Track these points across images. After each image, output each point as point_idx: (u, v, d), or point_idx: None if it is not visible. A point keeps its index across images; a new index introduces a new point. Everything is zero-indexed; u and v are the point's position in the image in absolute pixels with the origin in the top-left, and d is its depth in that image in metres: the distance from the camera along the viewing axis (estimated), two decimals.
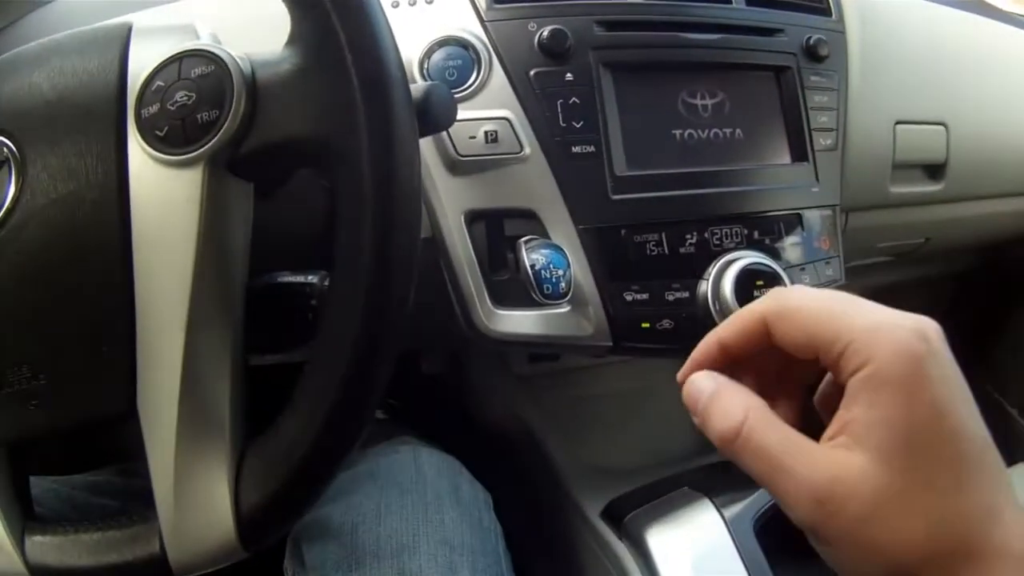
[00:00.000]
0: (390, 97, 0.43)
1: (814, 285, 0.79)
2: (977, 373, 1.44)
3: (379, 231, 0.42)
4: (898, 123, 0.94)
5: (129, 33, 0.49)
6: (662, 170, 0.75)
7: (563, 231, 0.71)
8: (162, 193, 0.44)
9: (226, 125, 0.44)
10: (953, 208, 1.04)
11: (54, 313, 0.46)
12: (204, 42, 0.47)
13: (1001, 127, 1.08)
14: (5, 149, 0.47)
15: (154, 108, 0.45)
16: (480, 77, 0.71)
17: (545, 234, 0.71)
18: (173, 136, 0.44)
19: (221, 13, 0.75)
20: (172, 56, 0.45)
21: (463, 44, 0.72)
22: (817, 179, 0.82)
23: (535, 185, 0.71)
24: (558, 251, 0.68)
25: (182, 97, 0.44)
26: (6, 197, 0.46)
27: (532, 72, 0.72)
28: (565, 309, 0.71)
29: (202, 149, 0.44)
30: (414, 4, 0.74)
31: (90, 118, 0.46)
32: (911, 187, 0.98)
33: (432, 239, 0.73)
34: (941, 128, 0.99)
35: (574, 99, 0.72)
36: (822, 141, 0.83)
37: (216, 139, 0.44)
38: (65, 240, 0.46)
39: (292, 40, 0.45)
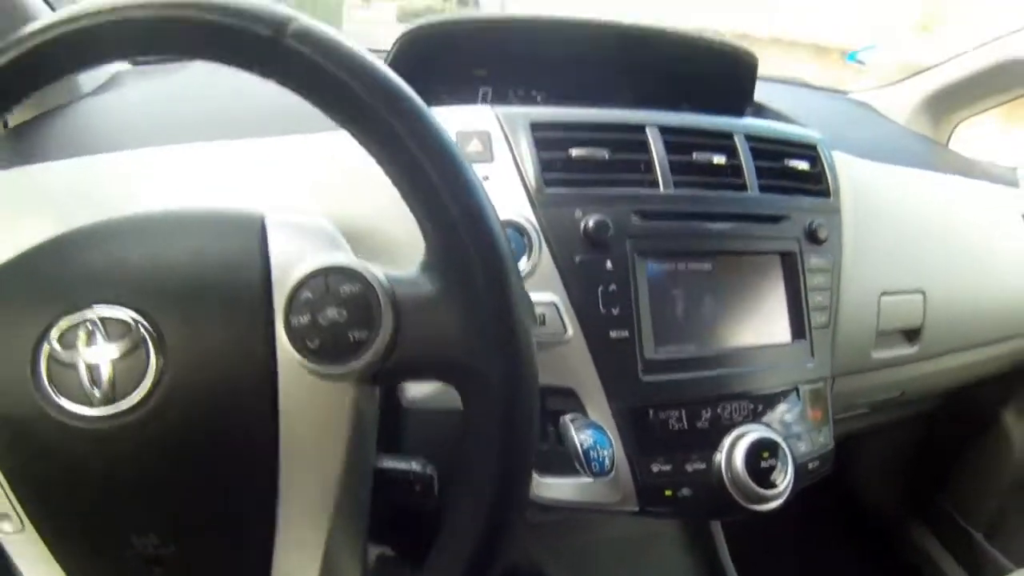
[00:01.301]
0: (516, 327, 0.50)
1: (807, 453, 0.93)
2: (943, 499, 1.59)
3: (505, 448, 0.51)
4: (883, 294, 1.08)
5: (264, 225, 0.56)
6: (684, 353, 0.87)
7: (598, 408, 0.83)
8: (313, 399, 0.51)
9: (375, 346, 0.50)
10: (927, 364, 1.19)
11: (192, 492, 0.52)
12: (348, 260, 0.53)
13: (974, 287, 1.23)
14: (141, 328, 0.50)
15: (304, 319, 0.50)
16: (532, 261, 0.83)
17: (582, 410, 0.83)
18: (325, 351, 0.50)
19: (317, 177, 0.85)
20: (319, 270, 0.51)
21: (519, 228, 0.83)
22: (812, 355, 0.96)
23: (575, 366, 0.82)
24: (602, 432, 0.80)
25: (333, 314, 0.50)
26: (148, 373, 0.50)
27: (577, 258, 0.84)
28: (603, 480, 0.81)
29: (353, 366, 0.50)
30: None
31: (236, 307, 0.52)
32: (891, 351, 1.12)
33: None
34: (919, 296, 1.13)
35: (613, 286, 0.84)
36: (818, 319, 0.97)
37: (366, 358, 0.50)
38: (211, 423, 0.51)
39: (430, 266, 0.52)
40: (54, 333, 0.51)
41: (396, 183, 0.51)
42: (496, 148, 0.87)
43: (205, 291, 0.52)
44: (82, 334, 0.50)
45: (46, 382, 0.50)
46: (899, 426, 1.46)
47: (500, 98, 1.15)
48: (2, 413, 0.51)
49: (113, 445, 0.50)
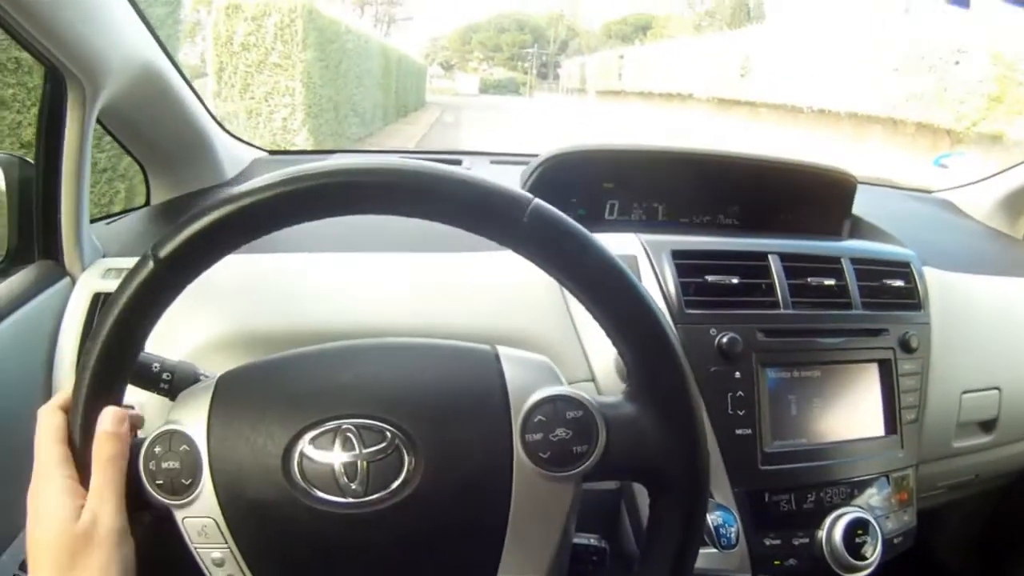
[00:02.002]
0: (699, 441, 0.62)
1: (893, 530, 1.10)
2: (1015, 569, 1.69)
3: (683, 535, 0.63)
4: (964, 392, 1.25)
5: (498, 357, 0.67)
6: (795, 447, 1.06)
7: (723, 492, 1.02)
8: (540, 496, 0.62)
9: (593, 456, 0.61)
10: (1001, 450, 1.33)
11: (427, 567, 0.65)
12: (570, 390, 0.64)
13: None
14: (395, 436, 0.61)
15: (538, 436, 0.61)
16: None
17: (711, 495, 1.00)
18: (554, 460, 0.61)
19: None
20: (548, 397, 0.63)
21: None
22: (902, 446, 1.13)
23: None
24: (729, 512, 0.99)
25: (561, 432, 0.61)
26: (402, 471, 0.60)
27: (712, 369, 1.03)
28: (728, 552, 0.99)
29: (575, 471, 0.61)
30: None
31: (480, 423, 0.62)
32: (969, 440, 1.27)
33: (622, 489, 1.03)
34: (996, 392, 1.29)
35: (740, 392, 1.03)
36: (907, 416, 1.15)
37: (585, 465, 0.61)
38: (453, 514, 0.62)
39: (631, 395, 0.64)
40: (307, 438, 0.61)
41: (605, 327, 0.63)
42: (643, 271, 1.07)
43: (453, 407, 0.63)
44: (338, 440, 0.60)
45: (299, 477, 0.60)
46: (975, 500, 1.56)
47: (626, 210, 1.35)
48: (254, 498, 0.61)
49: (364, 527, 0.60)
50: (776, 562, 1.03)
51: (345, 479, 0.60)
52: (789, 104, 16.36)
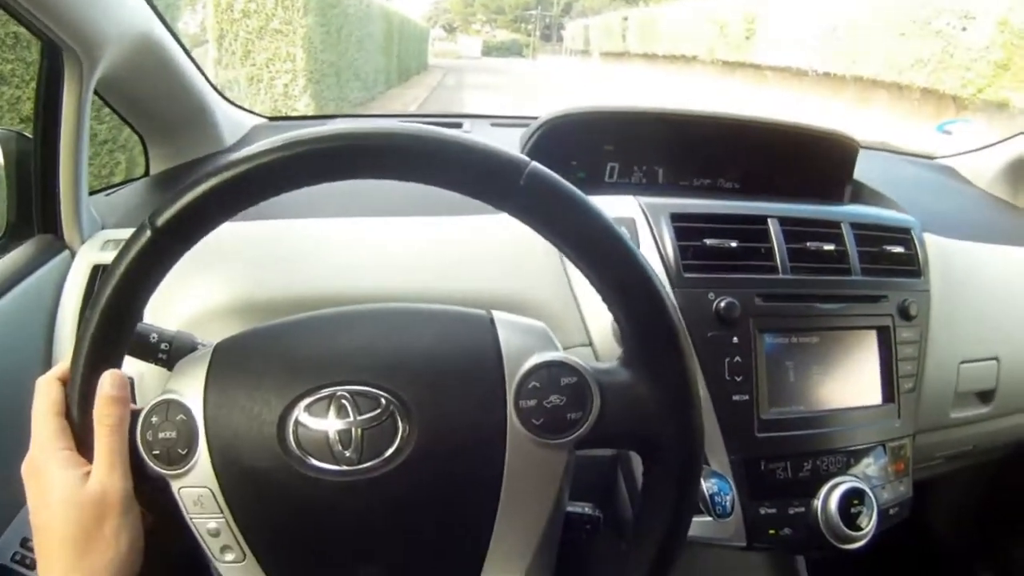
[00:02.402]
0: (693, 414, 0.63)
1: (889, 500, 1.10)
2: (1011, 540, 1.71)
3: (677, 502, 0.64)
4: (962, 362, 1.24)
5: (493, 321, 0.68)
6: (792, 414, 1.05)
7: (719, 459, 1.01)
8: (533, 463, 0.63)
9: (586, 423, 0.62)
10: (999, 421, 1.32)
11: (421, 532, 0.63)
12: (565, 356, 0.64)
13: None
14: (390, 403, 0.61)
15: (532, 402, 0.61)
16: None
17: (706, 461, 1.01)
18: (547, 427, 0.61)
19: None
20: (543, 363, 0.63)
21: None
22: (899, 416, 1.13)
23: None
24: (724, 480, 0.99)
25: (555, 399, 0.61)
26: (396, 437, 0.60)
27: (709, 334, 1.02)
28: (723, 520, 1.00)
29: (568, 438, 0.62)
30: None
31: (474, 389, 0.63)
32: (966, 411, 1.26)
33: (618, 456, 1.03)
34: (994, 362, 1.29)
35: (737, 358, 1.02)
36: (905, 384, 1.14)
37: (578, 432, 0.62)
38: (447, 480, 0.62)
39: (626, 361, 0.64)
40: (302, 405, 0.61)
41: (601, 292, 0.62)
42: (641, 234, 1.06)
43: (448, 374, 0.63)
44: (333, 407, 0.61)
45: (293, 445, 0.61)
46: (971, 472, 1.56)
47: (626, 173, 1.34)
48: (249, 466, 0.61)
49: (358, 494, 0.60)
50: (771, 531, 1.03)
51: (339, 447, 0.60)
52: (794, 67, 16.37)
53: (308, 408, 0.61)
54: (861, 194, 1.39)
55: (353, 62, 12.59)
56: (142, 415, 0.62)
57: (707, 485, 0.97)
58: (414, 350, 0.65)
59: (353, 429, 0.60)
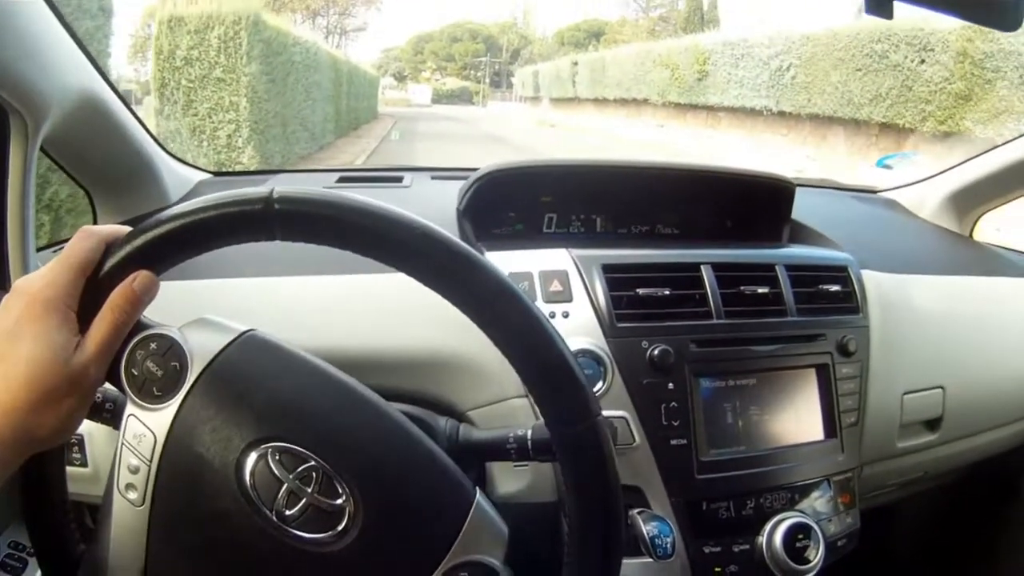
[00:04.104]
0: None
1: (836, 532, 1.14)
2: (972, 562, 1.74)
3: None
4: (905, 393, 1.29)
5: (474, 505, 0.68)
6: (733, 454, 1.09)
7: (660, 502, 1.05)
8: None
9: None
10: (947, 447, 1.37)
11: None
12: (505, 571, 0.66)
13: (989, 376, 1.43)
14: (346, 507, 0.63)
15: None
16: (606, 383, 1.05)
17: (647, 504, 1.05)
18: None
19: None
20: (482, 563, 0.65)
21: (595, 358, 1.05)
22: (842, 450, 1.17)
23: (642, 468, 1.04)
24: (665, 523, 1.00)
25: None
26: (332, 532, 0.62)
27: (644, 381, 1.06)
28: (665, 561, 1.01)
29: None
30: (553, 317, 1.06)
31: (420, 538, 0.65)
32: (913, 440, 1.30)
33: (559, 503, 1.06)
34: (939, 391, 1.33)
35: (674, 403, 1.06)
36: (847, 419, 1.18)
37: None
38: None
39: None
40: (278, 447, 0.62)
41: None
42: (574, 288, 1.10)
43: (409, 516, 0.65)
44: (300, 469, 0.62)
45: (247, 473, 0.62)
46: (929, 495, 1.61)
47: (564, 223, 1.39)
48: (198, 453, 0.62)
49: (272, 549, 0.62)
50: (716, 569, 1.06)
51: (284, 502, 0.62)
52: (748, 107, 16.61)
53: (280, 454, 0.63)
54: (799, 234, 1.44)
55: (300, 111, 12.54)
56: (144, 333, 0.64)
57: (648, 528, 0.98)
58: (399, 480, 0.66)
59: (304, 499, 0.62)
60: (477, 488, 0.70)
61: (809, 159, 13.99)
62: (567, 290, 1.09)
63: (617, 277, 1.11)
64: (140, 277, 0.62)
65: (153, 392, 0.63)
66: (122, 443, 0.63)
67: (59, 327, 0.60)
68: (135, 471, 0.62)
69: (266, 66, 10.18)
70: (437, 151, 16.98)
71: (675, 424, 1.06)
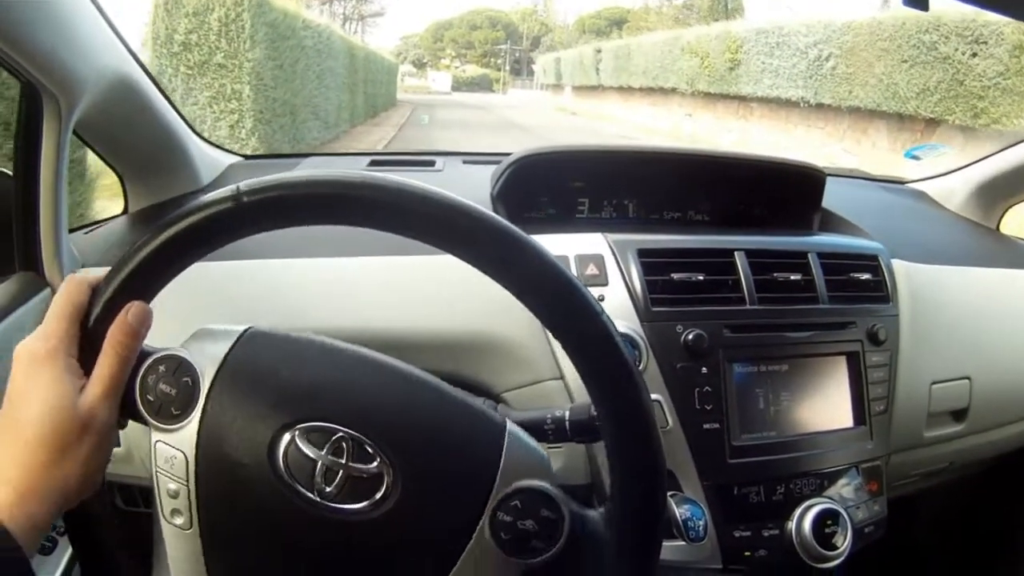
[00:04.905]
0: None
1: (864, 519, 1.20)
2: (995, 554, 1.80)
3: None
4: (933, 383, 1.36)
5: (505, 431, 0.71)
6: (764, 440, 1.16)
7: (692, 486, 1.11)
8: (486, 568, 0.67)
9: (544, 557, 0.67)
10: (973, 438, 1.44)
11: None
12: (555, 492, 0.68)
13: (1016, 368, 1.49)
14: (383, 468, 0.66)
15: (507, 518, 0.66)
16: (641, 367, 1.11)
17: (679, 487, 1.11)
18: (510, 545, 0.66)
19: None
20: (532, 489, 0.68)
21: (631, 341, 1.12)
22: (871, 437, 1.24)
23: (675, 451, 1.11)
24: (697, 506, 1.08)
25: (529, 524, 0.66)
26: (376, 495, 0.65)
27: (678, 365, 1.13)
28: (697, 544, 1.09)
29: (524, 562, 0.67)
30: None
31: (465, 484, 0.68)
32: (940, 430, 1.38)
33: (592, 485, 1.14)
34: (966, 381, 1.40)
35: (707, 387, 1.13)
36: (876, 407, 1.25)
37: (535, 560, 0.67)
38: (403, 552, 0.68)
39: (609, 521, 0.68)
40: (304, 428, 0.66)
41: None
42: (610, 272, 1.17)
43: (447, 464, 0.68)
44: (331, 443, 0.65)
45: (280, 460, 0.65)
46: (950, 487, 1.67)
47: (596, 208, 1.46)
48: (231, 457, 0.65)
49: (319, 528, 0.65)
50: (747, 553, 1.12)
51: (322, 480, 0.65)
52: (784, 98, 16.21)
53: (308, 433, 0.66)
54: (830, 222, 1.50)
55: (311, 99, 12.32)
56: (151, 358, 0.67)
57: (680, 511, 1.05)
58: (426, 429, 0.70)
59: (341, 471, 0.65)
60: (506, 419, 0.74)
61: (847, 153, 13.75)
62: (603, 274, 1.16)
63: (652, 262, 1.17)
64: (133, 309, 0.65)
65: (172, 412, 0.66)
66: (156, 471, 0.66)
67: (63, 375, 0.63)
68: (175, 495, 0.66)
69: (272, 51, 9.94)
70: (458, 140, 16.87)
71: (708, 408, 1.12)
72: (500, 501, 0.67)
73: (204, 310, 1.07)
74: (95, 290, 0.67)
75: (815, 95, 15.09)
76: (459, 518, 0.68)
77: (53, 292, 1.14)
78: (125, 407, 0.66)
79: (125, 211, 1.47)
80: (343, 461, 0.66)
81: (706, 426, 1.12)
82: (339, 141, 14.50)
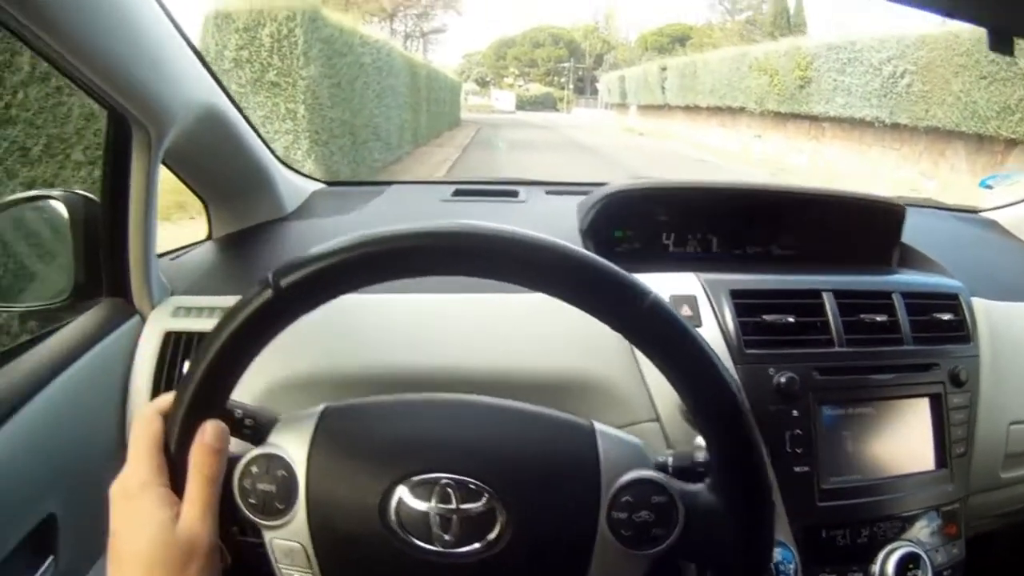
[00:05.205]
0: (770, 550, 0.72)
1: (943, 563, 1.22)
2: None
3: None
4: (1012, 423, 1.35)
5: (594, 432, 0.75)
6: (850, 483, 1.18)
7: (782, 528, 1.12)
8: (616, 569, 0.71)
9: (668, 541, 0.70)
10: None
11: None
12: (658, 476, 0.72)
13: None
14: (491, 500, 0.69)
15: (623, 515, 0.69)
16: None
17: None
18: (633, 539, 0.70)
19: None
20: (639, 480, 0.71)
21: None
22: (952, 480, 1.24)
23: None
24: (788, 549, 1.11)
25: (644, 515, 0.69)
26: (494, 528, 0.69)
27: (770, 408, 1.15)
28: None
29: (650, 551, 0.70)
30: None
31: (573, 492, 0.71)
32: (1017, 471, 1.37)
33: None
34: None
35: (798, 430, 1.15)
36: (956, 450, 1.26)
37: (660, 547, 0.70)
38: (535, 573, 0.71)
39: (716, 490, 0.72)
40: (407, 484, 0.69)
41: (699, 421, 0.70)
42: (703, 313, 1.21)
43: (549, 478, 0.71)
44: (437, 492, 0.69)
45: (394, 520, 0.68)
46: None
47: (680, 242, 1.51)
48: (346, 530, 0.69)
49: (447, 575, 0.69)
50: None
51: (439, 529, 0.68)
52: (857, 117, 15.95)
53: (413, 488, 0.69)
54: (908, 257, 1.53)
55: (371, 119, 12.18)
56: (242, 463, 0.70)
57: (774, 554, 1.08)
58: (520, 451, 0.74)
59: (454, 516, 0.68)
60: (591, 420, 0.77)
61: (924, 176, 13.50)
62: (696, 315, 1.20)
63: (744, 303, 1.21)
64: (208, 429, 0.67)
65: (277, 508, 0.69)
66: (278, 567, 0.70)
67: (157, 507, 0.65)
68: None
69: (328, 68, 9.81)
70: (524, 162, 16.66)
71: (798, 451, 1.14)
72: (611, 500, 0.70)
73: (290, 350, 1.08)
74: (166, 416, 0.69)
75: (890, 114, 14.76)
76: (577, 529, 0.71)
77: (142, 319, 1.19)
78: (228, 518, 0.69)
79: (209, 236, 1.53)
80: (453, 506, 0.69)
81: (796, 469, 1.14)
82: (401, 163, 14.40)
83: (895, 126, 14.94)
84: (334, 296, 0.67)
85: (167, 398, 0.70)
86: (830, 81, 16.77)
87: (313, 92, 9.30)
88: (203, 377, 0.67)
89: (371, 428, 0.75)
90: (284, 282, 0.65)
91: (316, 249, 0.66)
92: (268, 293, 0.65)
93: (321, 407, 0.76)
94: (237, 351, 0.67)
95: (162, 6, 1.09)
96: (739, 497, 0.71)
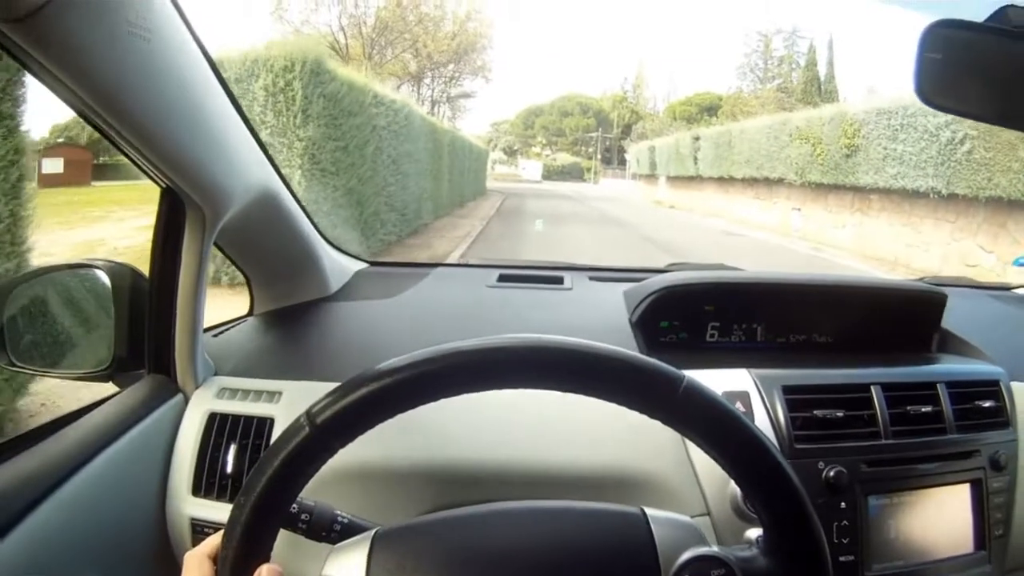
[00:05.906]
0: None
1: None
2: None
3: None
4: None
5: (647, 519, 0.80)
6: (894, 569, 1.26)
7: None
8: None
9: None
10: None
11: None
12: (715, 550, 0.76)
13: None
14: None
15: None
16: None
17: None
18: None
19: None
20: (696, 557, 0.76)
21: None
22: (990, 561, 1.35)
23: None
24: None
25: None
26: None
27: (819, 501, 1.23)
28: None
29: None
30: None
31: None
32: None
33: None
34: None
35: (845, 521, 1.25)
36: (996, 532, 1.36)
37: None
38: None
39: (767, 552, 0.77)
40: None
41: (749, 494, 0.75)
42: (755, 407, 1.32)
43: (612, 571, 0.76)
44: None
45: None
46: None
47: (726, 332, 1.63)
48: None
49: None
50: None
51: None
52: (909, 188, 15.18)
53: None
54: (946, 340, 1.65)
55: (384, 188, 11.82)
56: None
57: None
58: (577, 551, 0.78)
59: None
60: (640, 507, 0.83)
61: (982, 250, 13.26)
62: (749, 411, 1.31)
63: (796, 398, 1.32)
64: (263, 572, 0.70)
65: None
66: None
67: None
68: None
69: (333, 129, 9.42)
70: (553, 237, 16.19)
71: (844, 541, 1.23)
72: None
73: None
74: (215, 559, 0.72)
75: (947, 184, 14.05)
76: None
77: (186, 400, 1.27)
78: None
79: (251, 312, 1.63)
80: None
81: (842, 559, 1.23)
82: (419, 236, 13.97)
83: (951, 196, 14.19)
84: (369, 427, 0.72)
85: (213, 542, 0.74)
86: (880, 149, 16.21)
87: (312, 156, 8.93)
88: (249, 518, 0.70)
89: (423, 549, 0.79)
90: (319, 420, 0.69)
91: (344, 385, 0.70)
92: (304, 432, 0.69)
93: (372, 531, 0.81)
94: (280, 491, 0.71)
95: (225, 88, 1.15)
96: (795, 561, 0.76)
